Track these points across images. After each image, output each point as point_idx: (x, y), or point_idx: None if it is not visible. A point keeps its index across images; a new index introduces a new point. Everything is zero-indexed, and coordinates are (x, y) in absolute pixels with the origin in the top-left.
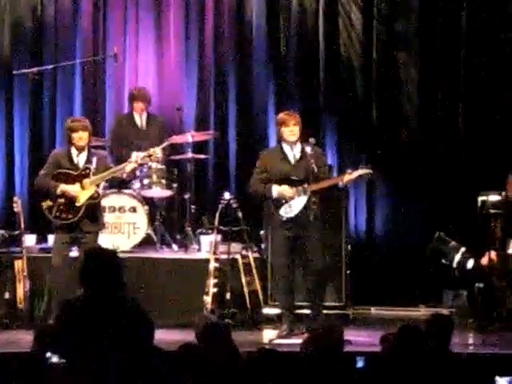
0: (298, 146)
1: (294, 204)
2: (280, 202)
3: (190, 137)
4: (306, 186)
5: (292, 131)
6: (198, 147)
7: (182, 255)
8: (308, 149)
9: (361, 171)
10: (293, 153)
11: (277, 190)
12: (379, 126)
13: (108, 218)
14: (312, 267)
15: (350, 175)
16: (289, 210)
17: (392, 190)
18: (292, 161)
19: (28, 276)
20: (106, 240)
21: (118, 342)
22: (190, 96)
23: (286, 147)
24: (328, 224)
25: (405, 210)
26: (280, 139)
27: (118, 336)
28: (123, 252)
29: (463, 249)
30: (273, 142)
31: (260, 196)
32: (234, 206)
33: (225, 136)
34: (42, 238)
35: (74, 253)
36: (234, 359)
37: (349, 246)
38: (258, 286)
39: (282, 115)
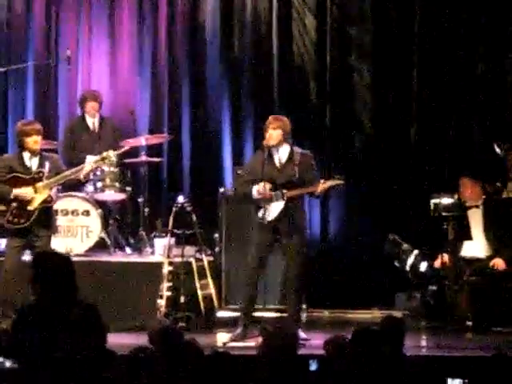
0: (285, 150)
1: (271, 208)
2: (258, 205)
3: (143, 140)
4: (284, 191)
5: (270, 135)
6: (152, 150)
7: (135, 259)
8: (297, 152)
9: (333, 182)
10: (278, 156)
11: (256, 188)
12: (333, 129)
13: (61, 221)
14: (286, 274)
15: (324, 184)
16: (266, 214)
17: (345, 192)
18: (277, 164)
19: None
20: (59, 243)
21: (73, 347)
22: (144, 98)
23: (272, 150)
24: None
25: (358, 212)
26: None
27: (72, 340)
28: (76, 255)
29: (416, 251)
30: (227, 145)
31: (243, 197)
32: (188, 209)
33: (179, 139)
34: None
35: (27, 257)
36: (190, 362)
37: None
38: (212, 289)
39: (269, 118)
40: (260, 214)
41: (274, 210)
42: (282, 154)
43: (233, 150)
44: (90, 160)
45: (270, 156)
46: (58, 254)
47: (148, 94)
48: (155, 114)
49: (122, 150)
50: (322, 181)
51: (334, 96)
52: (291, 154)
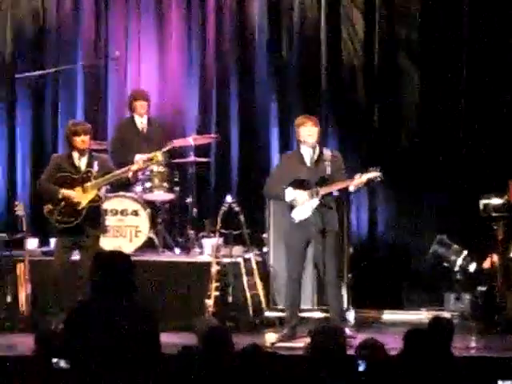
0: (317, 149)
1: (306, 207)
2: (292, 204)
3: (191, 140)
4: (317, 188)
5: (310, 131)
6: (200, 150)
7: (184, 258)
8: (327, 152)
9: (370, 174)
10: (310, 155)
11: (290, 194)
12: (381, 130)
13: (110, 221)
14: (326, 274)
15: (360, 178)
16: (300, 213)
17: (394, 193)
18: (308, 164)
19: (30, 279)
20: (108, 243)
21: (127, 348)
22: (192, 99)
23: (303, 150)
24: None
25: (406, 213)
26: (299, 142)
27: (126, 342)
28: None
29: (465, 252)
30: (275, 144)
31: (274, 197)
32: (236, 209)
33: (227, 139)
34: (44, 242)
35: (76, 256)
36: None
37: (350, 249)
38: (259, 289)
39: (300, 117)
40: (293, 213)
41: (308, 208)
42: (314, 153)
43: (281, 150)
44: (138, 159)
45: (301, 156)
46: (119, 253)
47: (196, 94)
48: (203, 114)
49: (167, 147)
50: (358, 175)
51: (382, 96)
52: (321, 153)
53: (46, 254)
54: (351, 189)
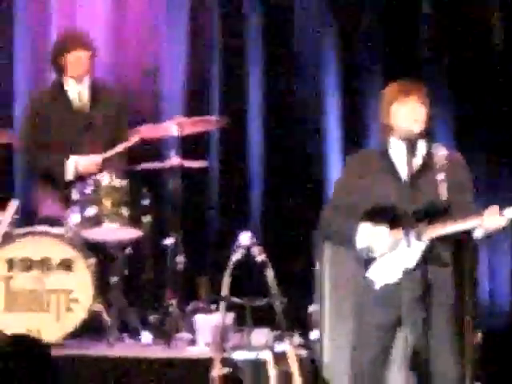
0: (422, 148)
1: (396, 260)
2: (369, 255)
3: (174, 127)
4: (422, 225)
5: (413, 112)
6: (192, 147)
7: (159, 352)
8: (439, 152)
9: None
10: (409, 159)
11: (367, 235)
12: None
13: (18, 281)
14: (438, 381)
15: (498, 216)
16: (385, 272)
17: None
18: (404, 175)
19: None
20: (14, 323)
21: None
22: (175, 54)
23: (395, 149)
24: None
25: None
26: (387, 131)
27: None
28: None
29: None
30: (333, 138)
31: (334, 239)
32: (259, 257)
33: (241, 126)
34: None
35: None
36: None
37: (478, 337)
38: None
39: (392, 86)
40: (372, 271)
41: (401, 263)
42: (416, 155)
43: (344, 149)
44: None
45: (389, 161)
46: (32, 340)
47: (183, 47)
48: (196, 82)
49: (129, 142)
50: (494, 209)
51: None
52: (430, 154)
53: None
54: (477, 234)
